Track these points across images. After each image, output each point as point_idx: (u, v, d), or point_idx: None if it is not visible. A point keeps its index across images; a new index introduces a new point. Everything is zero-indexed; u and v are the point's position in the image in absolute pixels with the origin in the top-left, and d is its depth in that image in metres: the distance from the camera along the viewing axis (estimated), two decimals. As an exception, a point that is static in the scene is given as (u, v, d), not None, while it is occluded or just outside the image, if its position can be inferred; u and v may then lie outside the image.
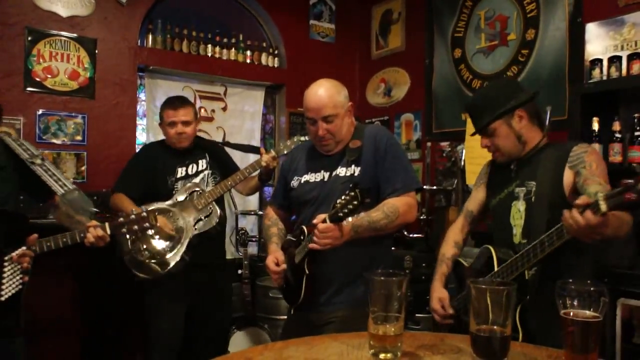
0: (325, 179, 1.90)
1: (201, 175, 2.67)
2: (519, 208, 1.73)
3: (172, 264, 2.44)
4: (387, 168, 1.85)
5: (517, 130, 1.74)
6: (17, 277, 1.72)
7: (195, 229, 2.52)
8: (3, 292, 1.67)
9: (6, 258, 1.68)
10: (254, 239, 3.95)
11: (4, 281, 1.67)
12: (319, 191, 1.89)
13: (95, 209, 1.96)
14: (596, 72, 2.78)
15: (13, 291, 1.70)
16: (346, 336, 1.32)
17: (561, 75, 3.12)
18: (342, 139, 1.90)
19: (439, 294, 1.86)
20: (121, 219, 1.84)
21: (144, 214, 1.86)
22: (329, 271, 1.80)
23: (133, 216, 1.85)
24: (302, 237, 1.81)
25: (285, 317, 2.27)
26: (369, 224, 1.77)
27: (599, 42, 2.88)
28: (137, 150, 2.94)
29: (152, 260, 2.45)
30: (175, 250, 2.46)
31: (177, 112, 2.60)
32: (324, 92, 1.84)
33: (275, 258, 1.86)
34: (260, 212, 2.23)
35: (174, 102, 2.68)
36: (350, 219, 1.67)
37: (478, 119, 1.79)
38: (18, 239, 1.75)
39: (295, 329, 1.83)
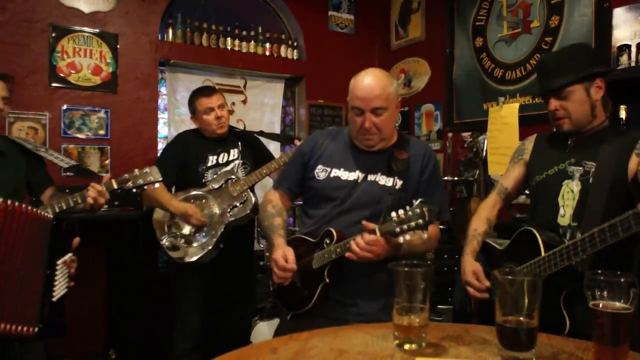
0: (359, 180, 1.74)
1: (231, 165, 2.70)
2: (572, 188, 1.60)
3: (205, 250, 2.49)
4: (428, 193, 1.73)
5: (593, 100, 1.61)
6: (66, 280, 1.79)
7: (230, 214, 2.56)
8: (55, 293, 1.74)
9: (58, 262, 1.75)
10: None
11: (56, 282, 1.74)
12: (348, 192, 1.73)
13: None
14: (624, 59, 2.71)
15: (62, 293, 1.77)
16: (371, 327, 1.32)
17: (587, 63, 3.05)
18: (387, 136, 1.75)
19: (472, 267, 1.68)
20: (126, 175, 1.96)
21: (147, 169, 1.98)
22: (350, 284, 1.68)
23: (136, 171, 1.96)
24: (327, 242, 1.68)
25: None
26: (408, 247, 1.62)
27: (627, 27, 2.80)
28: (172, 139, 2.98)
29: (187, 247, 2.51)
30: (209, 237, 2.51)
31: (211, 99, 2.67)
32: (377, 82, 1.70)
33: (284, 254, 1.64)
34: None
35: (206, 90, 2.76)
36: (407, 236, 1.47)
37: (553, 78, 1.64)
38: (66, 245, 1.82)
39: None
